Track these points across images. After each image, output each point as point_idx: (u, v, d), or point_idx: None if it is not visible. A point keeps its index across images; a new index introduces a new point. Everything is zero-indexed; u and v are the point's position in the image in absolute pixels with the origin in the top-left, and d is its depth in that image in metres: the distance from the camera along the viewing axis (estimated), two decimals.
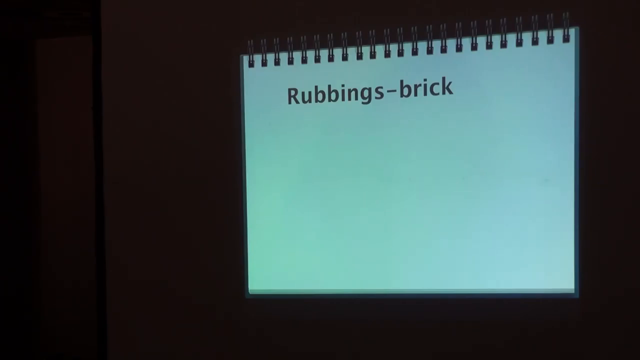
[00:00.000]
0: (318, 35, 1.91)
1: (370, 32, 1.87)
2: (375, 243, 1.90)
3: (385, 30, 1.86)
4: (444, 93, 1.84)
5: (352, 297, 1.92)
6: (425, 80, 1.85)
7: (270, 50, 1.95)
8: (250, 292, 2.00)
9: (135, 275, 2.08)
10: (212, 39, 1.99)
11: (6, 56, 3.83)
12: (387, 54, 1.87)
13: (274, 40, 1.94)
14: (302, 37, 1.92)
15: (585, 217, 1.77)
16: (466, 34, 1.81)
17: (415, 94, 1.86)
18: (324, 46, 1.91)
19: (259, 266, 1.99)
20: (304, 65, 1.93)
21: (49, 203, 3.96)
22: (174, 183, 2.03)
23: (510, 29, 1.79)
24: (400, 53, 1.86)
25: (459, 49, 1.82)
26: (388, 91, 1.87)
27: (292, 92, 1.94)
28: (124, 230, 2.09)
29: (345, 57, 1.90)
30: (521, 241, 1.81)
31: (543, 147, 1.79)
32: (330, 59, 1.91)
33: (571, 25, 1.75)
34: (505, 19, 1.79)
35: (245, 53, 1.97)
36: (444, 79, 1.84)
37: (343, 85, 1.90)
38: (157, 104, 2.04)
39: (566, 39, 1.76)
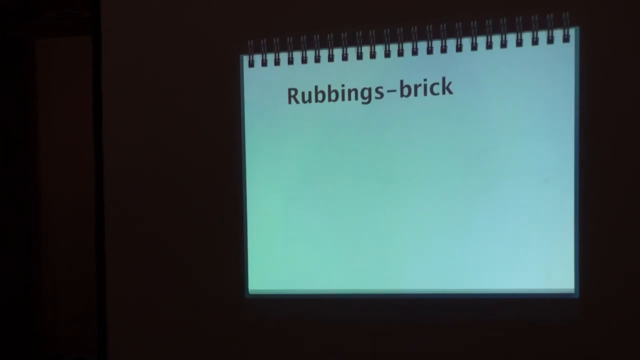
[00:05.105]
0: (318, 35, 1.91)
1: (370, 32, 1.87)
2: (375, 243, 1.90)
3: (385, 30, 1.86)
4: (444, 93, 1.84)
5: (352, 297, 1.92)
6: (425, 80, 1.85)
7: (270, 50, 1.95)
8: (250, 292, 2.00)
9: (135, 276, 2.08)
10: (212, 39, 1.98)
11: (6, 56, 3.83)
12: (387, 54, 1.87)
13: (274, 40, 1.94)
14: (302, 37, 1.92)
15: (585, 217, 1.77)
16: (466, 34, 1.81)
17: (415, 94, 1.86)
18: (324, 46, 1.91)
19: (259, 266, 1.99)
20: (304, 65, 1.93)
21: (49, 203, 3.96)
22: (174, 183, 2.03)
23: (510, 29, 1.78)
24: (400, 53, 1.86)
25: (459, 49, 1.82)
26: (388, 91, 1.87)
27: (292, 92, 1.94)
28: (123, 231, 2.09)
29: (345, 57, 1.90)
30: (521, 241, 1.81)
31: (543, 147, 1.79)
32: (330, 59, 1.91)
33: (571, 25, 1.75)
34: (505, 19, 1.79)
35: (245, 53, 1.97)
36: (444, 79, 1.84)
37: (343, 85, 1.90)
38: (157, 103, 2.04)
39: (566, 39, 1.76)
